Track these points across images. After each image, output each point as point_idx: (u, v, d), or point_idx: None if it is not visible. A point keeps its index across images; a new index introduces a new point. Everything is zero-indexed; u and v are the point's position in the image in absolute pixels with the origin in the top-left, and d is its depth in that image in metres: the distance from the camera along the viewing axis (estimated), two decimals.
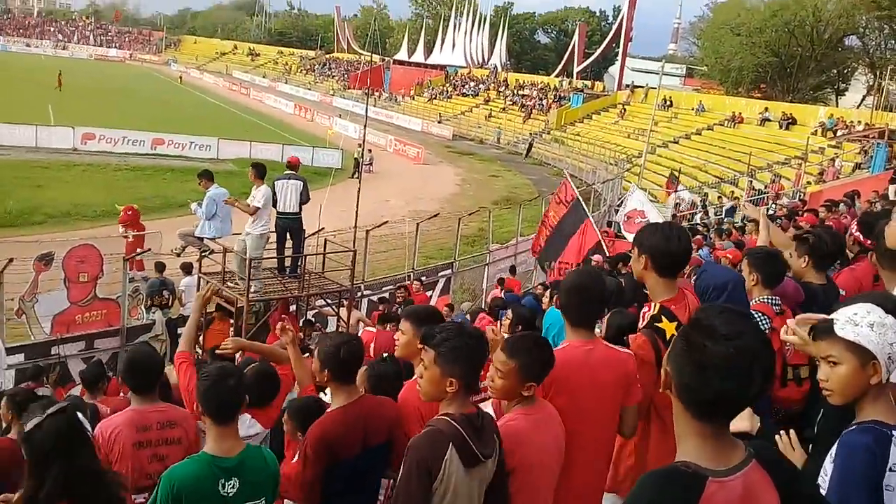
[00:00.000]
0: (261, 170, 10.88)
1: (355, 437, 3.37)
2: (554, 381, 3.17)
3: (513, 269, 16.90)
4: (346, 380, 3.47)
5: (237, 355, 5.43)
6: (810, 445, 2.66)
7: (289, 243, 11.50)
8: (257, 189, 10.64)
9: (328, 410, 3.51)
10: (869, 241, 5.30)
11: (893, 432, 2.24)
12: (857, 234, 5.47)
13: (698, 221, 21.55)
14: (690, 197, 28.73)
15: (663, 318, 3.34)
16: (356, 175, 23.27)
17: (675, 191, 28.84)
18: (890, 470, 2.21)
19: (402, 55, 79.75)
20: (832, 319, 2.30)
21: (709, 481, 1.73)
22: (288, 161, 11.90)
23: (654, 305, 3.41)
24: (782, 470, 1.90)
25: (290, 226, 11.23)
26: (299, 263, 11.56)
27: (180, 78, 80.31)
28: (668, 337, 3.30)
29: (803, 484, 1.99)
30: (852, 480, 2.17)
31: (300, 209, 11.25)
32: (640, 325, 3.50)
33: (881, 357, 2.21)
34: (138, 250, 12.91)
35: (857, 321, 2.24)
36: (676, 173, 30.88)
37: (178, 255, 12.45)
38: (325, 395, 3.96)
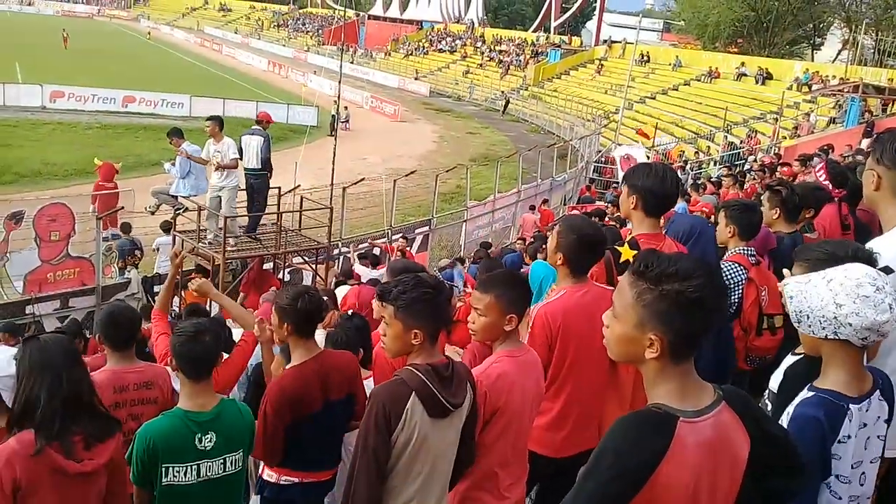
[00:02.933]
0: (221, 122, 10.70)
1: (316, 392, 3.39)
2: (561, 327, 3.25)
3: (545, 201, 17.87)
4: (305, 333, 3.46)
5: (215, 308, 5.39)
6: (773, 391, 2.68)
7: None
8: (220, 143, 10.43)
9: (286, 367, 3.50)
10: (837, 191, 5.38)
11: (850, 406, 2.22)
12: (827, 183, 5.53)
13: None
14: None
15: (626, 244, 3.46)
16: (333, 133, 23.00)
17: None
18: (839, 441, 2.24)
19: (377, 10, 78.25)
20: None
21: (679, 422, 1.75)
22: (258, 117, 11.69)
23: (629, 235, 3.49)
24: (751, 411, 1.92)
25: (252, 183, 11.04)
26: (260, 223, 11.45)
27: (148, 34, 78.44)
28: (621, 260, 3.42)
29: (771, 424, 2.02)
30: (801, 450, 2.17)
31: (263, 166, 11.02)
32: None
33: (812, 314, 2.18)
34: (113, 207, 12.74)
35: (825, 274, 2.19)
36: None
37: (153, 213, 12.28)
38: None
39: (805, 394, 2.31)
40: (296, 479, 3.47)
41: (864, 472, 2.33)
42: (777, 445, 1.95)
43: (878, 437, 2.35)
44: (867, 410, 2.28)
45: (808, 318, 2.20)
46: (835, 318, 2.14)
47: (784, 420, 2.33)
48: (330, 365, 3.48)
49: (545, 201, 19.32)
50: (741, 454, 1.85)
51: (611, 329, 1.95)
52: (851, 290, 2.10)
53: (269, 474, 3.51)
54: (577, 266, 3.37)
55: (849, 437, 2.25)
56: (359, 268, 10.93)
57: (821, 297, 2.16)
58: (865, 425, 2.29)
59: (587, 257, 3.38)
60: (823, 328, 2.17)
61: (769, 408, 2.54)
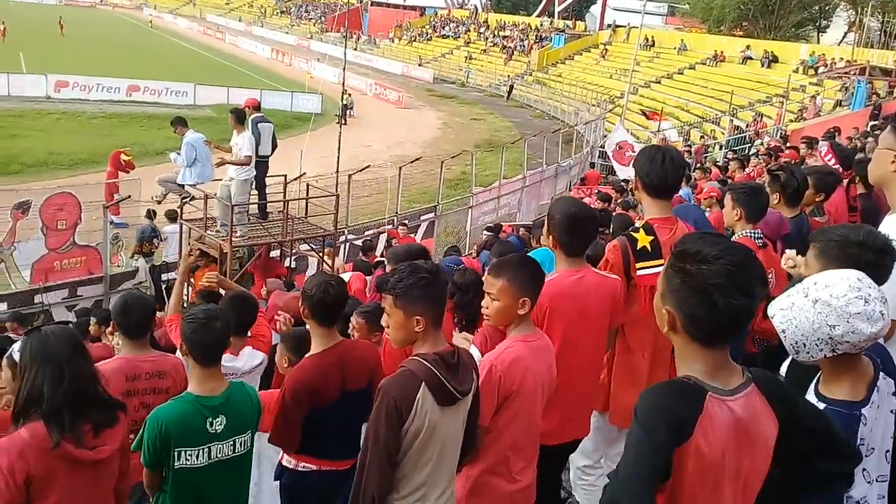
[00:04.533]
0: (241, 115, 10.66)
1: (333, 382, 3.39)
2: (548, 309, 3.24)
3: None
4: (324, 320, 3.45)
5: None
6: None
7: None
8: (240, 135, 10.42)
9: (306, 356, 3.50)
10: (846, 172, 5.37)
11: (862, 412, 2.21)
12: (836, 166, 5.52)
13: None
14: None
15: (642, 230, 3.45)
16: (343, 122, 22.97)
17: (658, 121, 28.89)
18: (859, 445, 2.21)
19: None
20: (799, 279, 2.27)
21: (708, 396, 1.76)
22: (256, 104, 11.44)
23: (642, 221, 3.50)
24: (782, 395, 1.90)
25: (265, 170, 11.07)
26: (280, 209, 11.48)
27: (150, 22, 78.25)
28: (638, 246, 3.41)
29: (804, 410, 2.00)
30: None
31: (272, 152, 11.08)
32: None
33: (804, 337, 2.12)
34: (116, 196, 12.79)
35: (808, 292, 2.13)
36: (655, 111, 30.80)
37: (159, 202, 12.32)
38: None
39: (815, 403, 2.26)
40: (314, 466, 3.49)
41: (887, 450, 2.33)
42: (813, 431, 1.94)
43: (891, 411, 2.35)
44: (875, 397, 2.27)
45: (804, 346, 2.15)
46: (830, 338, 2.10)
47: None
48: (350, 355, 3.48)
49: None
50: (768, 437, 1.84)
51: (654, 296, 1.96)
52: (842, 311, 2.06)
53: (287, 460, 3.53)
54: (570, 247, 3.36)
55: (863, 440, 2.23)
56: None
57: (811, 321, 2.11)
58: (878, 406, 2.29)
59: (577, 237, 3.36)
60: (821, 350, 2.14)
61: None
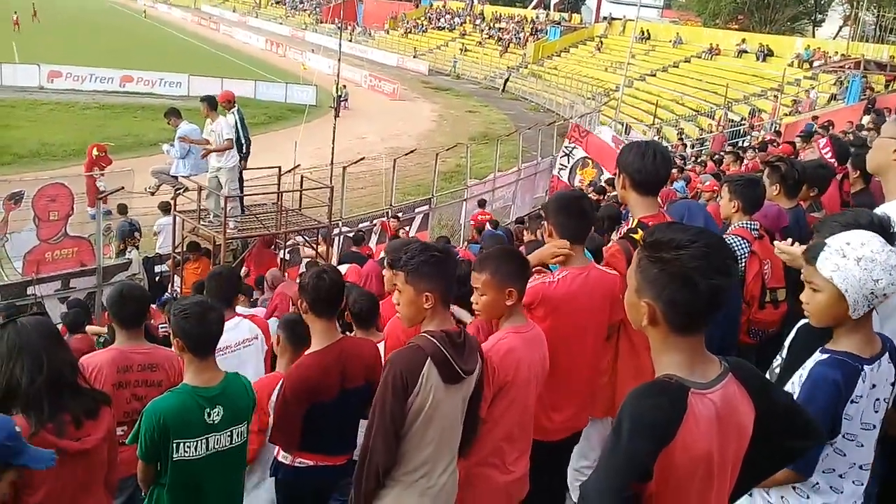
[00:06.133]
0: (214, 102, 10.58)
1: (333, 380, 3.38)
2: (555, 308, 3.28)
3: (482, 203, 16.72)
4: (323, 310, 3.43)
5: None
6: (780, 362, 2.73)
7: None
8: (215, 122, 10.35)
9: (306, 353, 3.49)
10: (840, 167, 5.37)
11: (864, 367, 2.31)
12: (832, 160, 5.52)
13: (675, 153, 21.56)
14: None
15: (639, 230, 3.42)
16: (336, 113, 22.86)
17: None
18: (852, 401, 2.32)
19: None
20: (823, 244, 2.32)
21: (691, 392, 1.77)
22: (231, 98, 11.25)
23: (633, 220, 3.46)
24: (757, 382, 1.94)
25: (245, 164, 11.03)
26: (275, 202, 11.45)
27: (144, 12, 77.79)
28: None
29: (776, 394, 2.04)
30: (814, 410, 2.24)
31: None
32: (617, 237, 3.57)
33: (856, 294, 2.23)
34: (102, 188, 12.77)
35: (845, 252, 2.24)
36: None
37: (153, 193, 12.25)
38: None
39: (819, 356, 2.37)
40: (311, 462, 3.48)
41: (869, 433, 2.41)
42: (785, 413, 1.99)
43: (884, 399, 2.41)
44: (877, 371, 2.36)
45: (858, 303, 2.25)
46: (871, 292, 2.22)
47: (796, 381, 2.40)
48: (350, 352, 3.47)
49: (482, 202, 16.96)
50: (747, 424, 1.88)
51: (625, 295, 1.97)
52: (885, 264, 2.19)
53: (283, 456, 3.52)
54: (568, 229, 3.36)
55: (860, 396, 2.32)
56: None
57: (858, 278, 2.22)
58: (875, 386, 2.36)
59: (574, 216, 3.37)
60: (865, 306, 2.26)
61: (777, 371, 2.58)
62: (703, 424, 1.76)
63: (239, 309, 5.12)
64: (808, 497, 2.44)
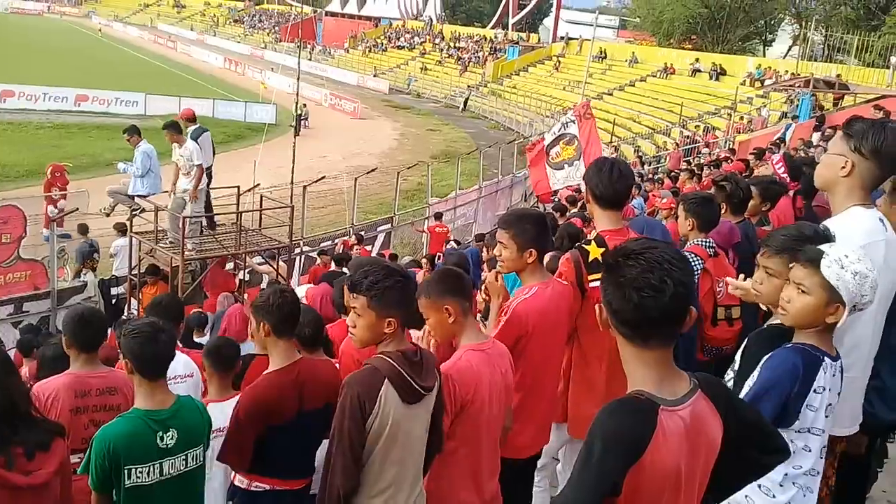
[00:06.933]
0: (178, 127, 10.42)
1: (290, 402, 3.30)
2: (533, 327, 3.30)
3: (438, 216, 16.78)
4: (284, 330, 3.36)
5: None
6: (732, 376, 2.77)
7: None
8: (183, 147, 10.22)
9: (264, 373, 3.41)
10: (793, 183, 5.52)
11: (825, 358, 2.41)
12: (784, 175, 5.67)
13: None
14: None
15: (593, 242, 3.51)
16: (296, 132, 22.78)
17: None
18: (814, 391, 2.39)
19: (334, 6, 77.56)
20: (821, 251, 2.40)
21: (660, 410, 1.80)
22: (192, 115, 11.19)
23: (593, 233, 3.56)
24: (725, 398, 1.99)
25: (209, 181, 10.93)
26: (219, 224, 11.37)
27: (99, 30, 76.77)
28: (590, 259, 3.47)
29: (744, 411, 2.08)
30: (769, 388, 2.36)
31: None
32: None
33: (849, 304, 2.35)
34: (55, 208, 12.52)
35: (844, 264, 2.34)
36: None
37: (108, 214, 12.01)
38: None
39: (781, 347, 2.47)
40: (267, 487, 3.39)
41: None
42: (753, 429, 2.04)
43: (831, 405, 2.48)
44: (833, 375, 2.44)
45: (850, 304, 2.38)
46: (854, 306, 2.36)
47: (749, 383, 2.46)
48: (308, 373, 3.38)
49: (438, 214, 17.06)
50: (715, 439, 1.92)
51: None
52: (873, 282, 2.34)
53: (240, 480, 3.43)
54: (528, 238, 3.36)
55: (823, 388, 2.40)
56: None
57: (851, 291, 2.34)
58: (829, 390, 2.43)
59: (536, 232, 3.37)
60: (845, 316, 2.38)
61: (731, 385, 2.63)
62: (673, 441, 1.79)
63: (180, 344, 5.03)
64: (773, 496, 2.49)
